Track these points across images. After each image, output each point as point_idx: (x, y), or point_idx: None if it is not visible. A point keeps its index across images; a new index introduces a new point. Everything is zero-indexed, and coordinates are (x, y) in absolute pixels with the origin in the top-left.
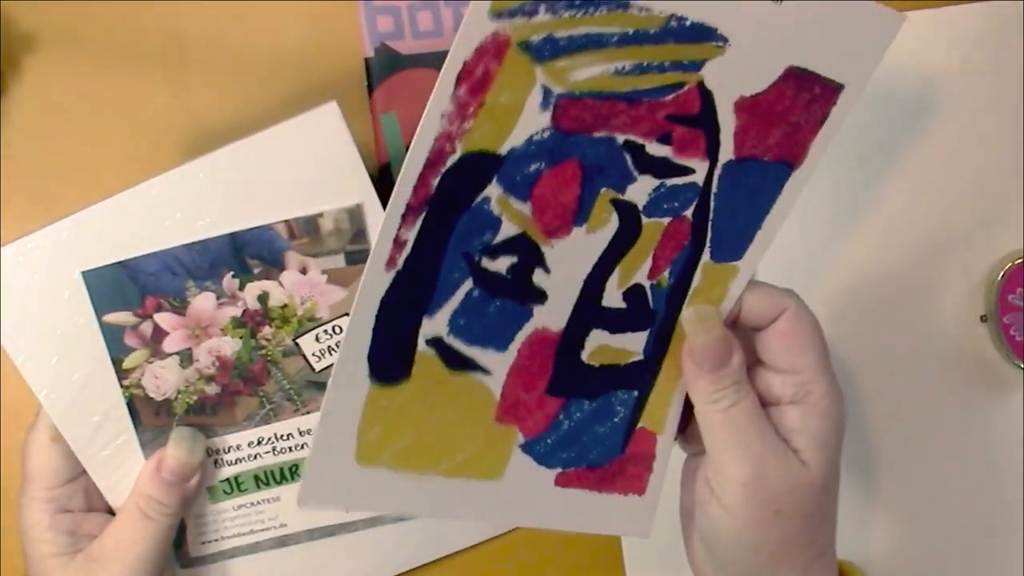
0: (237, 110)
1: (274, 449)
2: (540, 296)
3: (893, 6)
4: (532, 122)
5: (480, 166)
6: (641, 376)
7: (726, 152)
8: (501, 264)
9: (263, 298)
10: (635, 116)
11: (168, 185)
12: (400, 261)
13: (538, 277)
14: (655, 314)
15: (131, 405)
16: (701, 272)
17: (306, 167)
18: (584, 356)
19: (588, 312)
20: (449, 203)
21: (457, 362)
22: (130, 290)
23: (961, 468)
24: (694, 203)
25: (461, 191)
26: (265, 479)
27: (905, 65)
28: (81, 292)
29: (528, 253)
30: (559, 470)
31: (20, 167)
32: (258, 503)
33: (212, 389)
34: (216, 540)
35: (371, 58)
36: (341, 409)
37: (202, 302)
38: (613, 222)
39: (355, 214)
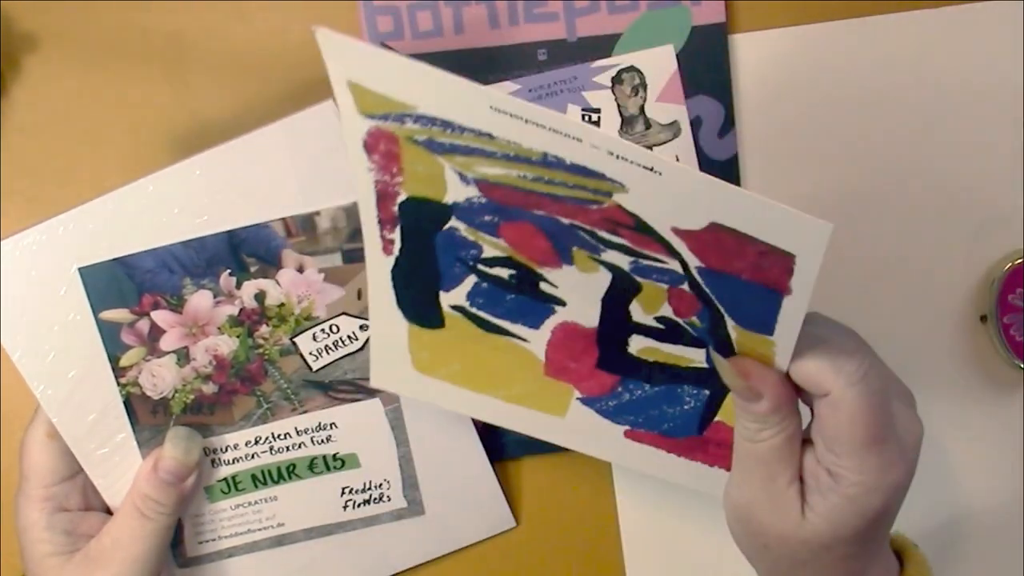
0: (237, 109)
1: (271, 448)
2: (557, 300)
3: (894, 6)
4: (460, 190)
5: (430, 208)
6: (709, 380)
7: (691, 259)
8: (501, 272)
9: (260, 296)
10: (567, 209)
11: (166, 182)
12: (395, 250)
13: (546, 287)
14: (702, 340)
15: (128, 403)
16: (735, 332)
17: (303, 165)
18: (632, 351)
19: (618, 322)
20: (417, 226)
21: (488, 326)
22: (127, 287)
23: (961, 468)
24: (685, 282)
25: (423, 219)
26: (263, 478)
27: (905, 65)
28: (78, 288)
29: (524, 269)
30: (626, 428)
31: (20, 167)
32: (255, 503)
33: (209, 388)
34: (213, 540)
35: None
36: (386, 331)
37: (199, 300)
38: (604, 272)
39: (352, 212)
